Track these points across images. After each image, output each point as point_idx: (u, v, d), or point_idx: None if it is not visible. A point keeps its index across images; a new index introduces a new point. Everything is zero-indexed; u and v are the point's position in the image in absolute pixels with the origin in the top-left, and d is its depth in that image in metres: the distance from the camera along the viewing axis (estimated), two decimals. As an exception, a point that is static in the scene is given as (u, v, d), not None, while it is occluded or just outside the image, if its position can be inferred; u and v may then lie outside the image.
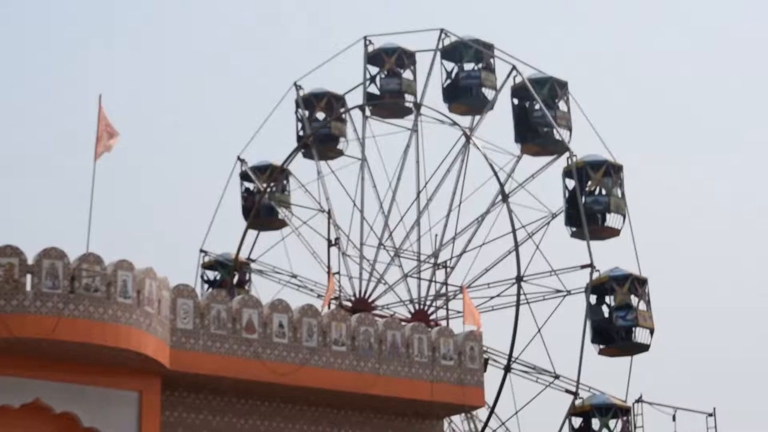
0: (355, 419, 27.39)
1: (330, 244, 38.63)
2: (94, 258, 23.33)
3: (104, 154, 25.15)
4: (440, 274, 41.44)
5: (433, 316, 40.17)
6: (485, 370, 30.68)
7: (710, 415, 43.74)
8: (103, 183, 25.89)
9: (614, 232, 42.51)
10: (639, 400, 42.01)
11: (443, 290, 40.84)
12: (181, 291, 24.99)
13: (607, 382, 42.13)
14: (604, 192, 42.17)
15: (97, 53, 77.33)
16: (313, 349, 26.21)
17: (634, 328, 40.76)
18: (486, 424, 39.99)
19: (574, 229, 42.03)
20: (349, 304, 39.75)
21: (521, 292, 40.60)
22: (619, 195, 42.30)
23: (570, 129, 43.96)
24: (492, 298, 40.56)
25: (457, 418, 38.36)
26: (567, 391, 40.34)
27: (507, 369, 39.73)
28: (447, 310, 39.37)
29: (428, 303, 41.00)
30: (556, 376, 40.85)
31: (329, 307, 29.03)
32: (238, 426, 25.90)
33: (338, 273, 39.38)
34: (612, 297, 41.08)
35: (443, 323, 36.04)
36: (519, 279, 40.49)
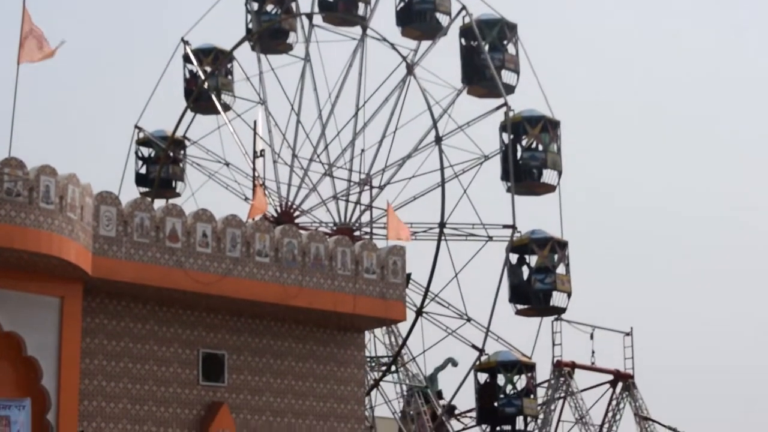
0: (278, 330, 27.33)
1: (255, 156, 38.23)
2: (17, 162, 22.78)
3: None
4: (366, 196, 41.31)
5: (357, 232, 40.11)
6: (407, 285, 30.72)
7: (627, 334, 44.36)
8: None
9: (550, 188, 42.52)
10: (558, 319, 42.39)
11: (370, 208, 40.76)
12: (105, 198, 24.56)
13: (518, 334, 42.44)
14: (540, 147, 42.00)
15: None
16: (236, 260, 26.01)
17: (551, 292, 41.04)
18: (399, 350, 40.04)
19: (509, 184, 41.91)
20: (275, 214, 39.59)
21: (443, 235, 40.47)
22: (556, 151, 42.13)
23: (517, 72, 43.64)
24: (415, 233, 40.27)
25: (378, 331, 38.53)
26: (473, 346, 40.51)
27: (419, 312, 39.77)
28: (371, 223, 39.31)
29: (353, 218, 40.91)
30: (468, 319, 40.96)
31: (254, 220, 28.71)
32: (160, 334, 25.72)
33: (264, 185, 39.06)
34: (532, 258, 41.23)
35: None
36: (442, 225, 40.35)
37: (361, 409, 28.95)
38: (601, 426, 44.23)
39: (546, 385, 42.60)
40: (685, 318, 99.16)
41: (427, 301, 39.91)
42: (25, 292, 23.34)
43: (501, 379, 39.09)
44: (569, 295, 41.47)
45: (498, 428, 39.36)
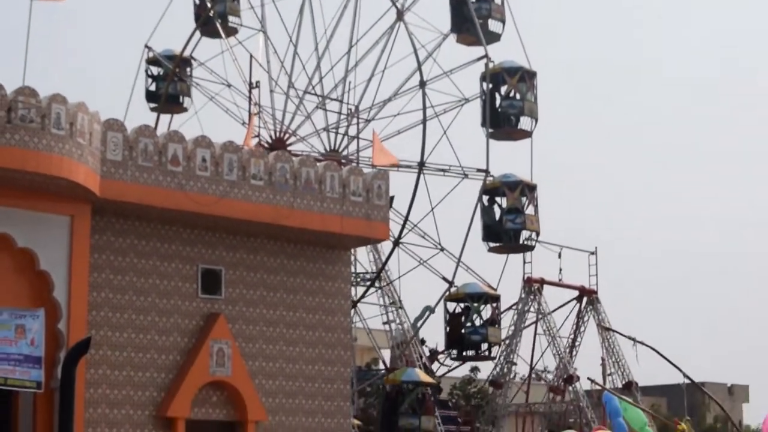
0: (271, 247, 27.58)
1: (251, 87, 38.44)
2: (30, 91, 23.09)
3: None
4: (354, 129, 41.50)
5: (344, 152, 40.38)
6: (390, 207, 31.05)
7: (592, 253, 45.06)
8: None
9: (526, 134, 42.86)
10: (528, 239, 42.88)
11: (355, 129, 40.97)
12: (111, 125, 24.86)
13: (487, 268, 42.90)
14: (518, 96, 42.27)
15: None
16: (233, 183, 26.26)
17: (521, 231, 41.45)
18: (381, 269, 40.49)
19: (490, 130, 42.27)
20: (269, 140, 39.78)
21: (422, 174, 40.74)
22: (533, 100, 42.43)
23: (503, 21, 43.74)
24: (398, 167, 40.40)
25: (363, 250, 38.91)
26: (443, 278, 40.97)
27: (396, 242, 39.94)
28: (357, 152, 39.57)
29: (341, 147, 41.15)
30: (441, 249, 41.35)
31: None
32: (162, 250, 26.04)
33: (259, 113, 39.27)
34: (503, 200, 41.64)
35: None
36: (421, 164, 40.65)
37: (347, 321, 29.40)
38: (568, 337, 45.01)
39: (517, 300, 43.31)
40: (642, 239, 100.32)
41: (405, 231, 40.27)
42: (38, 212, 23.64)
43: (469, 309, 39.77)
44: (537, 233, 42.02)
45: (464, 353, 40.17)
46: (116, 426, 25.06)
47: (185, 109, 44.57)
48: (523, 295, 43.28)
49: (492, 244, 42.06)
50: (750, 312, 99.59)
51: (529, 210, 41.59)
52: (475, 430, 44.05)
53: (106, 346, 24.94)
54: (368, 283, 40.11)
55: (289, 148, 38.88)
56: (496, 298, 40.39)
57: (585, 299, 44.72)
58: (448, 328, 40.05)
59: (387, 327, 40.67)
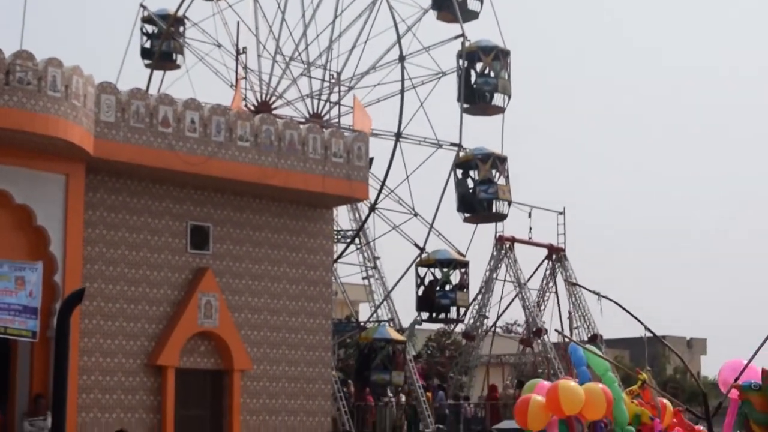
0: (256, 206, 27.85)
1: (239, 53, 38.59)
2: (27, 55, 23.27)
3: None
4: (335, 96, 41.63)
5: (326, 117, 40.61)
6: (370, 168, 31.35)
7: (560, 213, 45.46)
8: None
9: (499, 110, 43.12)
10: (501, 208, 43.21)
11: (337, 96, 41.18)
12: (105, 88, 25.09)
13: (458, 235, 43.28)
14: (492, 74, 42.52)
15: None
16: (220, 144, 26.50)
17: (494, 201, 41.83)
18: (373, 205, 40.83)
19: (466, 105, 42.59)
20: (255, 103, 39.92)
21: (398, 147, 40.99)
22: (506, 78, 42.68)
23: (482, 1, 43.82)
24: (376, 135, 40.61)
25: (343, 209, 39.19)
26: (415, 245, 41.33)
27: (372, 208, 40.10)
28: (339, 117, 39.77)
29: (323, 111, 41.33)
30: (415, 214, 41.72)
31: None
32: (153, 208, 26.32)
33: (246, 78, 39.41)
34: (476, 172, 41.98)
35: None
36: (398, 135, 40.92)
37: (328, 276, 29.75)
38: (537, 292, 45.47)
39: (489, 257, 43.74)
40: (609, 202, 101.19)
41: (381, 197, 40.58)
42: (35, 170, 23.84)
43: (439, 274, 40.14)
44: (509, 203, 42.41)
45: (433, 315, 40.59)
46: (109, 373, 25.43)
47: (178, 67, 44.48)
48: (494, 253, 43.68)
49: (466, 215, 42.45)
50: (708, 270, 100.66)
51: (501, 181, 41.95)
52: (448, 379, 44.63)
53: (99, 298, 25.27)
54: (348, 240, 40.46)
55: (274, 112, 39.06)
56: (464, 264, 40.78)
57: (553, 257, 45.14)
58: (419, 292, 40.45)
59: (366, 282, 41.08)
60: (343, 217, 41.50)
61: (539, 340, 44.93)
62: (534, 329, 44.99)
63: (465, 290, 40.53)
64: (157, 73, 44.06)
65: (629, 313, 12.86)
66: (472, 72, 42.53)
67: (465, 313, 42.15)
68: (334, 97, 41.10)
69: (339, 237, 39.52)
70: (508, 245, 44.00)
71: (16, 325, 22.80)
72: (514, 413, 11.03)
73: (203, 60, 41.63)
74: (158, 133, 25.62)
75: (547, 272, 45.11)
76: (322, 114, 40.89)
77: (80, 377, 24.54)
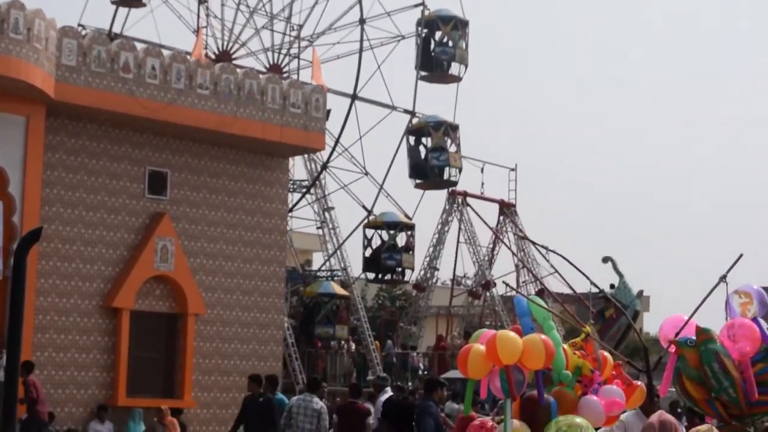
0: (215, 153, 27.60)
1: (200, 1, 38.04)
2: (-11, -3, 22.81)
3: None
4: (295, 50, 41.28)
5: (285, 70, 40.27)
6: (327, 119, 31.11)
7: (512, 169, 45.50)
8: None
9: (456, 79, 43.04)
10: (456, 152, 43.17)
11: (297, 49, 40.84)
12: (67, 32, 24.70)
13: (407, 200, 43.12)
14: (451, 44, 42.32)
15: None
16: (180, 91, 26.21)
17: (445, 168, 41.81)
18: (329, 158, 40.63)
19: (423, 73, 42.43)
20: (216, 51, 39.47)
21: (353, 107, 40.71)
22: (464, 47, 42.50)
23: None
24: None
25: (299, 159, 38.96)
26: (363, 207, 41.19)
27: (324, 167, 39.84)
28: (298, 69, 39.46)
29: (283, 58, 40.97)
30: (366, 173, 41.57)
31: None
32: (112, 152, 26.01)
33: (207, 27, 38.90)
34: (428, 139, 41.92)
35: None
36: (354, 97, 40.62)
37: (283, 224, 29.62)
38: (487, 246, 45.53)
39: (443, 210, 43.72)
40: (560, 161, 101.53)
41: (334, 155, 40.48)
42: (-4, 111, 23.44)
43: (385, 236, 40.12)
44: (460, 170, 42.47)
45: (379, 276, 40.61)
46: (65, 314, 25.20)
47: (144, 5, 43.66)
48: (447, 207, 43.67)
49: (418, 181, 42.50)
50: (653, 229, 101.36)
51: (452, 148, 41.98)
52: (398, 329, 44.62)
53: (57, 240, 24.98)
54: (303, 190, 40.27)
55: (234, 61, 38.64)
56: (411, 227, 40.80)
57: (504, 212, 45.21)
58: (365, 254, 40.43)
59: (320, 232, 40.92)
60: (298, 168, 41.33)
61: (488, 293, 45.07)
62: (483, 282, 45.11)
63: (411, 252, 40.62)
64: (122, 11, 43.15)
65: (576, 267, 12.70)
66: (431, 40, 42.36)
67: (411, 275, 42.28)
68: (294, 51, 40.73)
69: (294, 187, 39.32)
70: (460, 200, 44.01)
71: (-28, 263, 22.54)
72: (457, 362, 10.80)
73: (167, 2, 40.91)
74: (119, 78, 25.28)
75: (498, 227, 45.16)
76: (282, 66, 40.53)
77: (36, 317, 24.32)
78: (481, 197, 44.94)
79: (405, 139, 41.93)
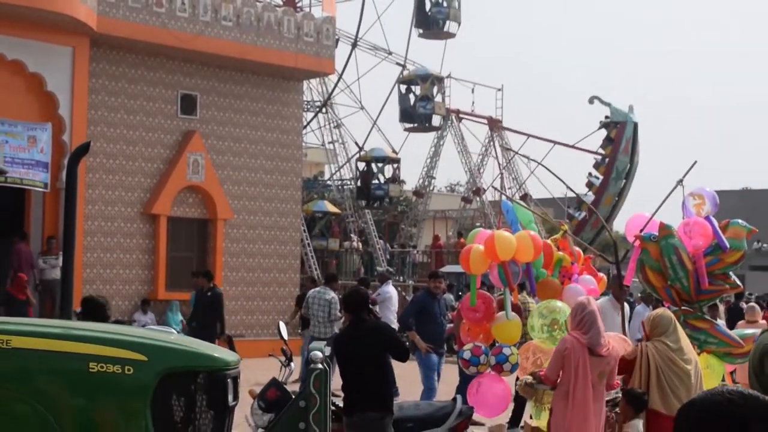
0: (238, 78, 27.85)
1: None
2: (38, -60, 22.90)
3: None
4: None
5: (300, 5, 40.38)
6: (336, 47, 31.34)
7: (499, 89, 45.72)
8: None
9: (450, 35, 43.15)
10: (448, 76, 43.47)
11: None
12: (106, -29, 24.82)
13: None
14: (445, 3, 42.38)
15: None
16: (207, 23, 26.40)
17: (431, 115, 42.24)
18: (334, 87, 41.00)
19: (420, 30, 42.63)
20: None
21: (354, 51, 40.76)
22: (457, 6, 42.56)
23: None
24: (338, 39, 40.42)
25: (314, 81, 39.18)
26: (355, 143, 41.59)
27: (324, 104, 40.28)
28: (310, 2, 39.47)
29: None
30: (362, 107, 41.97)
31: None
32: (148, 78, 26.29)
33: None
34: (417, 89, 42.31)
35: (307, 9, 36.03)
36: (355, 41, 40.80)
37: (299, 139, 29.97)
38: (478, 156, 45.95)
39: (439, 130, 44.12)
40: (542, 80, 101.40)
41: (336, 91, 40.88)
42: (46, 42, 23.66)
43: (375, 168, 40.53)
44: (445, 118, 42.96)
45: (370, 202, 41.09)
46: (110, 220, 25.75)
47: None
48: (441, 123, 44.02)
49: (407, 125, 43.02)
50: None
51: (438, 98, 42.38)
52: (400, 230, 45.28)
53: (102, 155, 25.42)
54: (317, 109, 40.66)
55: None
56: (397, 161, 41.22)
57: (492, 127, 45.53)
58: (358, 183, 40.92)
59: (330, 146, 41.38)
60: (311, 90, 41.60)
61: (478, 198, 45.61)
62: (474, 189, 45.62)
63: (396, 182, 41.06)
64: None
65: (554, 174, 13.27)
66: (427, 1, 42.55)
67: (397, 201, 42.96)
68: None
69: (308, 107, 39.65)
70: (453, 116, 44.34)
71: (29, 176, 23.09)
72: (459, 260, 11.42)
73: None
74: (153, 12, 25.47)
75: (487, 140, 45.56)
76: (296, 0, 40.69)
77: (86, 222, 24.83)
78: (472, 114, 45.24)
79: (396, 87, 42.35)
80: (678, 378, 9.45)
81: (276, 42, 27.69)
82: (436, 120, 42.47)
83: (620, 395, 9.79)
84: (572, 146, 42.22)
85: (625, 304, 13.38)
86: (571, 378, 9.11)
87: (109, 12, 24.69)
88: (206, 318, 19.32)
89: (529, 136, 43.73)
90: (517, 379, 11.15)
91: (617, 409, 9.77)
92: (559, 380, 9.25)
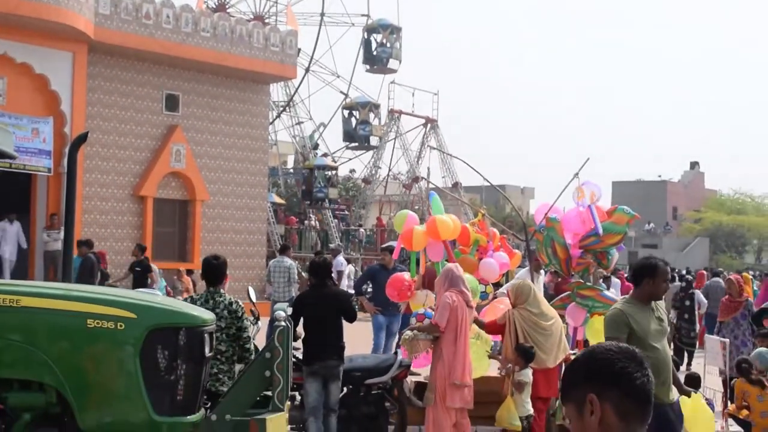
0: (214, 80, 27.69)
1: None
2: (43, -40, 22.62)
3: None
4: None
5: (267, 20, 40.22)
6: (298, 56, 31.26)
7: (435, 93, 45.99)
8: None
9: (392, 71, 44.44)
10: (392, 82, 43.53)
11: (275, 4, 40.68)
12: (102, -12, 24.57)
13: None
14: (389, 45, 42.58)
15: None
16: (188, 33, 26.24)
17: (389, 58, 42.48)
18: (290, 99, 40.87)
19: (367, 66, 42.80)
20: (214, 5, 39.26)
21: (323, 23, 40.75)
22: (399, 47, 42.87)
23: None
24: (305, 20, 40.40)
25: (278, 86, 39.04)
26: (341, 92, 41.41)
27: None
28: (276, 16, 39.35)
29: (264, 9, 40.87)
30: (338, 76, 41.85)
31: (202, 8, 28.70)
32: (137, 79, 26.06)
33: None
34: (379, 37, 42.44)
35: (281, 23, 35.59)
36: (322, 15, 40.73)
37: (265, 133, 29.84)
38: (416, 152, 46.14)
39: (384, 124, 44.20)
40: (475, 84, 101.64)
41: (312, 64, 40.76)
42: (51, 48, 23.46)
43: (316, 174, 40.55)
44: (400, 61, 43.02)
45: (312, 203, 41.05)
46: (104, 200, 25.55)
47: None
48: (386, 121, 44.13)
49: (369, 67, 43.23)
50: (540, 134, 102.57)
51: (396, 45, 42.58)
52: (351, 212, 45.40)
53: (97, 145, 25.20)
54: (281, 108, 40.59)
55: (228, 11, 38.56)
56: (335, 168, 41.09)
57: (429, 126, 45.75)
58: (345, 127, 41.18)
59: (293, 140, 41.36)
60: (278, 92, 41.45)
61: (416, 185, 45.84)
62: (413, 177, 45.83)
63: (335, 186, 40.64)
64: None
65: (473, 169, 13.53)
66: (373, 41, 42.81)
67: (378, 140, 43.28)
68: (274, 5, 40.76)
69: (274, 106, 39.55)
70: (396, 116, 44.49)
71: (33, 162, 22.89)
72: (399, 239, 11.55)
73: None
74: (142, 24, 25.28)
75: (424, 137, 45.79)
76: (264, 16, 40.53)
77: (84, 202, 24.63)
78: (412, 114, 45.40)
79: (340, 111, 42.52)
80: (542, 336, 9.81)
81: (247, 50, 27.57)
82: (374, 141, 42.90)
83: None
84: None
85: (542, 272, 13.75)
86: (459, 325, 9.31)
87: (104, 23, 24.48)
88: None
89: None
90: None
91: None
92: (446, 328, 9.39)
